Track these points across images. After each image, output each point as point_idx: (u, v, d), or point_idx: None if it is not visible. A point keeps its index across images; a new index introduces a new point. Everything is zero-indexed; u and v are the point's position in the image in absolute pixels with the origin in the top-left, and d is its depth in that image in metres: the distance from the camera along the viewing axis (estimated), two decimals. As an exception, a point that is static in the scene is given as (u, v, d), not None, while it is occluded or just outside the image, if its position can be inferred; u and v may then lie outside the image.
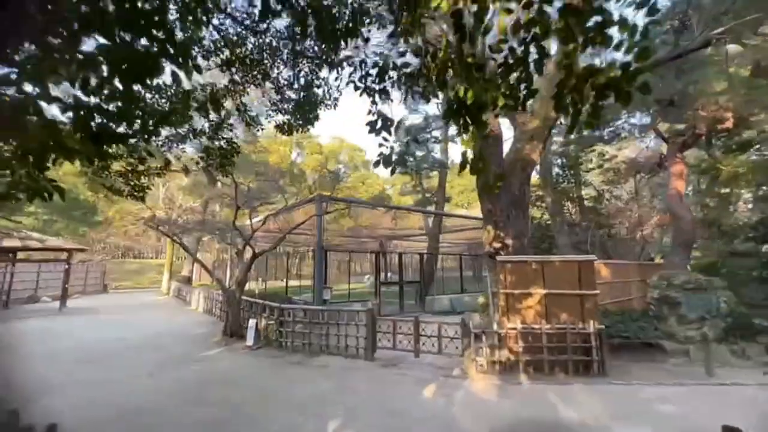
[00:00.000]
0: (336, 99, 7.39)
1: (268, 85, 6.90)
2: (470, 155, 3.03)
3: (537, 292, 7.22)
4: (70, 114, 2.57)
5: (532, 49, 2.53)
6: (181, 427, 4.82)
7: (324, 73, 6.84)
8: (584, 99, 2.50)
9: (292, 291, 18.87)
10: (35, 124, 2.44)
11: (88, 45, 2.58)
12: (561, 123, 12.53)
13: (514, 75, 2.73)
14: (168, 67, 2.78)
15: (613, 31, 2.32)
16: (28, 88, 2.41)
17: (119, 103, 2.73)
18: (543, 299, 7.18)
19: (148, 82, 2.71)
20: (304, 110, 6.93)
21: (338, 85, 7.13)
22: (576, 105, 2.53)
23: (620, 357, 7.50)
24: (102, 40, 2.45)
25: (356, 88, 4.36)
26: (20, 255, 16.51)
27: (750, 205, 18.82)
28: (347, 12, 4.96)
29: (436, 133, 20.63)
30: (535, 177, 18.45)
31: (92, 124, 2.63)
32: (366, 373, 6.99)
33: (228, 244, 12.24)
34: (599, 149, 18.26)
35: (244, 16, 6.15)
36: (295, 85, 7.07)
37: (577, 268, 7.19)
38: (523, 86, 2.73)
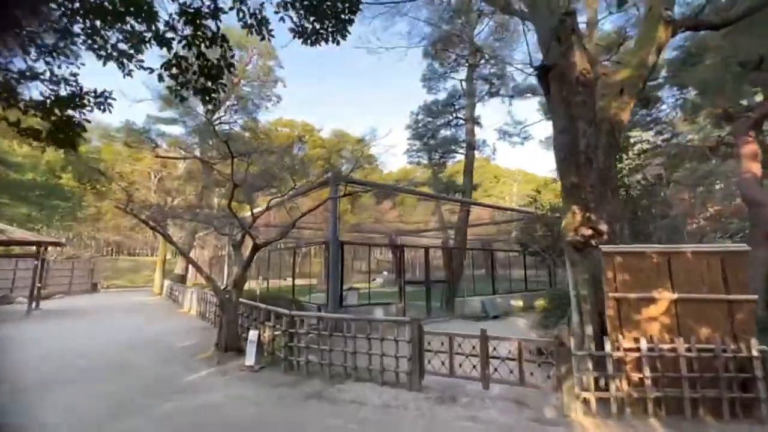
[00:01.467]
0: None
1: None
2: None
3: (663, 296, 5.02)
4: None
5: None
6: None
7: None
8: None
9: (297, 291, 16.73)
10: None
11: None
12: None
13: None
14: None
15: None
16: None
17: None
18: (672, 307, 4.99)
19: None
20: (335, 7, 4.28)
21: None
22: None
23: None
24: None
25: None
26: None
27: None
28: None
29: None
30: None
31: None
32: (418, 416, 4.79)
33: (226, 234, 9.97)
34: (639, 134, 16.16)
35: None
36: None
37: (720, 262, 4.99)
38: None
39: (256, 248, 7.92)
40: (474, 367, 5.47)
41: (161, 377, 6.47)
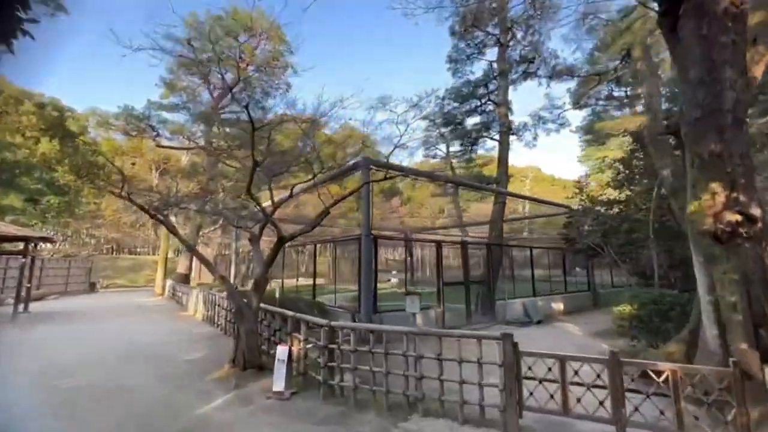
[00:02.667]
0: None
1: None
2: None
3: None
4: None
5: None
6: None
7: None
8: None
9: (303, 291, 15.20)
10: None
11: None
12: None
13: None
14: None
15: None
16: None
17: None
18: None
19: None
20: None
21: None
22: None
23: None
24: None
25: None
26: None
27: None
28: None
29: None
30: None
31: None
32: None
33: (238, 227, 8.41)
34: None
35: None
36: None
37: None
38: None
39: (281, 242, 6.40)
40: (601, 403, 3.91)
41: (164, 408, 4.94)
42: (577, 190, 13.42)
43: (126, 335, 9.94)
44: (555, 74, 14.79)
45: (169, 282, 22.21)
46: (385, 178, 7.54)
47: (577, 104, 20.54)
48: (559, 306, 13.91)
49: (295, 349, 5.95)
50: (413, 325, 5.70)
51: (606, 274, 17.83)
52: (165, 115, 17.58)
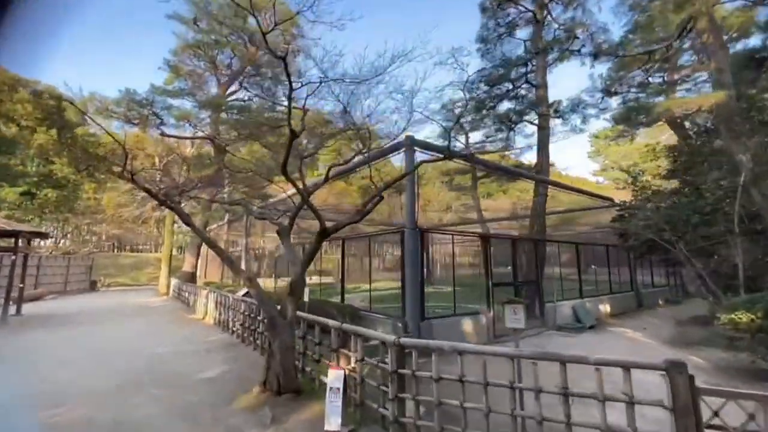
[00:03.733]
0: None
1: None
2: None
3: None
4: None
5: None
6: None
7: None
8: None
9: (326, 293, 13.92)
10: None
11: None
12: None
13: None
14: None
15: None
16: None
17: None
18: None
19: None
20: None
21: None
22: None
23: None
24: None
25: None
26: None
27: None
28: None
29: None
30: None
31: None
32: None
33: (261, 217, 7.04)
34: None
35: None
36: None
37: None
38: None
39: (324, 235, 5.08)
40: None
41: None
42: (627, 182, 12.07)
43: (129, 344, 8.65)
44: (601, 52, 13.41)
45: (173, 281, 20.98)
46: (433, 160, 6.20)
47: (610, 91, 19.16)
48: (606, 308, 12.60)
49: (345, 369, 4.64)
50: (515, 342, 4.38)
51: (639, 273, 16.49)
52: (169, 101, 16.25)
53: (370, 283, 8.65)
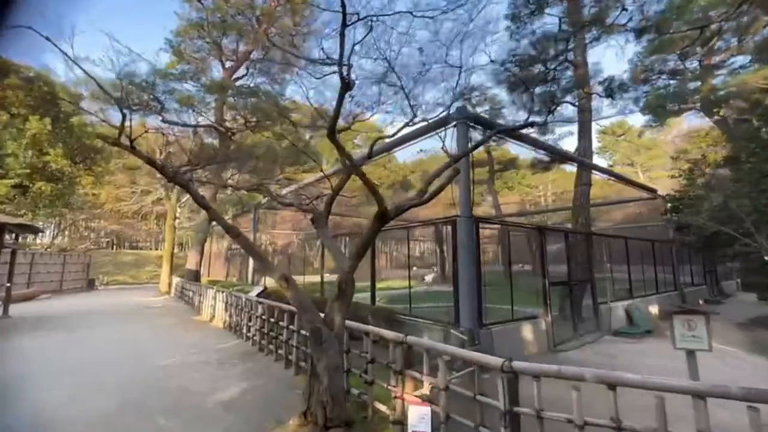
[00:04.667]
0: None
1: None
2: None
3: None
4: None
5: None
6: None
7: None
8: None
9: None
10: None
11: None
12: None
13: None
14: None
15: None
16: None
17: None
18: None
19: None
20: None
21: None
22: None
23: None
24: None
25: None
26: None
27: None
28: None
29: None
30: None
31: None
32: None
33: (286, 205, 5.79)
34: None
35: None
36: None
37: None
38: None
39: (384, 218, 3.88)
40: None
41: None
42: (683, 169, 10.86)
43: (129, 353, 7.45)
44: (647, 28, 12.17)
45: (175, 279, 19.79)
46: (483, 142, 5.00)
47: (639, 78, 17.95)
48: (654, 309, 11.42)
49: (417, 396, 3.45)
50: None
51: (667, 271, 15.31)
52: (171, 85, 15.00)
53: (409, 282, 7.42)
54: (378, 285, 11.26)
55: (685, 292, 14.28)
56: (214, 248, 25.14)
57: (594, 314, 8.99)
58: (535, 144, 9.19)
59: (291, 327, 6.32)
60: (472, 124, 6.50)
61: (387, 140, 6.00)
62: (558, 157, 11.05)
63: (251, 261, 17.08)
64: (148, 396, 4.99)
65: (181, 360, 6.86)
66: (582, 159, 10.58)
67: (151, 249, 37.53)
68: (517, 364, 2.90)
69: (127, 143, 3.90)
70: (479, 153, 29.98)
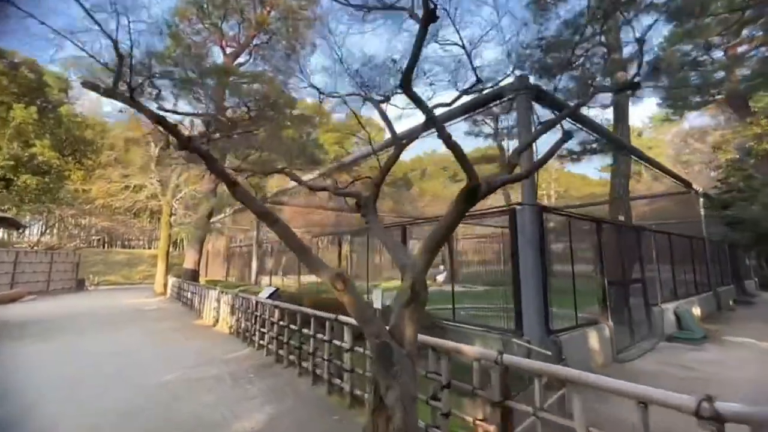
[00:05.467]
0: None
1: None
2: None
3: None
4: None
5: None
6: None
7: None
8: None
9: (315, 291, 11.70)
10: None
11: None
12: None
13: None
14: None
15: None
16: None
17: None
18: None
19: None
20: None
21: None
22: None
23: None
24: None
25: None
26: None
27: None
28: None
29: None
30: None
31: None
32: None
33: (316, 189, 4.71)
34: None
35: None
36: None
37: None
38: None
39: (474, 195, 2.88)
40: None
41: None
42: (729, 160, 10.02)
43: (124, 367, 6.38)
44: (687, 8, 11.35)
45: (171, 279, 18.61)
46: (561, 118, 4.02)
47: (658, 68, 17.17)
48: (696, 311, 10.59)
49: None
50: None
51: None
52: (170, 69, 13.84)
53: (452, 282, 6.41)
54: (385, 285, 10.34)
55: (720, 292, 13.52)
56: (211, 247, 23.96)
57: (646, 317, 8.09)
58: (593, 127, 8.22)
59: (320, 335, 5.33)
60: (534, 98, 5.54)
61: (442, 110, 4.99)
62: (613, 143, 10.05)
63: (254, 260, 15.99)
64: (146, 424, 3.95)
65: (187, 375, 5.80)
66: (634, 147, 9.68)
67: (144, 248, 36.08)
68: (725, 408, 1.93)
69: (127, 94, 2.87)
70: (483, 148, 29.08)
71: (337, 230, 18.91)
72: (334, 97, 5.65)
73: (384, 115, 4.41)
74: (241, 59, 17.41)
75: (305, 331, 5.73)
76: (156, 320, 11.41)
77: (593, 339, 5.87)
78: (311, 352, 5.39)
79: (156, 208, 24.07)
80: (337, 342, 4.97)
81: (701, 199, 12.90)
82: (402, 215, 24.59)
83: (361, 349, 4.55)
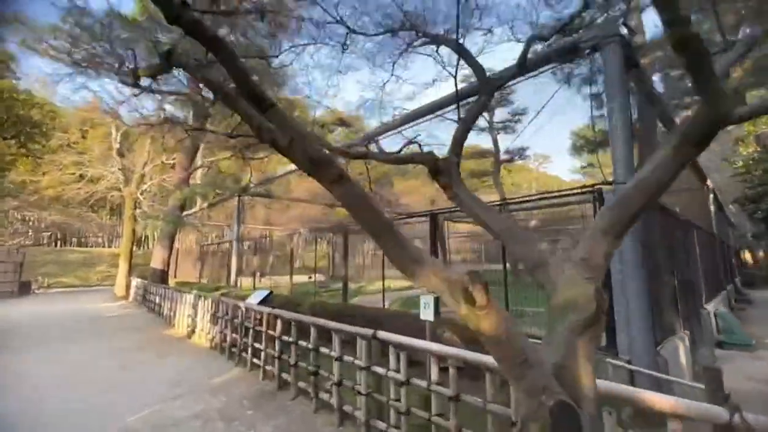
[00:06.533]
0: None
1: None
2: None
3: None
4: None
5: None
6: None
7: None
8: None
9: (329, 295, 10.42)
10: None
11: None
12: None
13: None
14: None
15: None
16: None
17: None
18: None
19: None
20: None
21: None
22: None
23: None
24: None
25: None
26: None
27: None
28: None
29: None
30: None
31: None
32: None
33: (369, 158, 3.33)
34: None
35: None
36: None
37: None
38: None
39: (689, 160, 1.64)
40: None
41: None
42: (757, 150, 9.45)
43: (71, 403, 4.68)
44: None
45: (135, 281, 16.38)
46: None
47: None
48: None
49: None
50: None
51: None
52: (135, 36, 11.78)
53: (505, 280, 5.14)
54: (383, 285, 9.14)
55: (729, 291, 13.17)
56: (181, 245, 21.69)
57: (697, 321, 7.22)
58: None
59: (347, 358, 3.95)
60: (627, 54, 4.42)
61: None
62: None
63: (234, 259, 14.17)
64: None
65: (164, 412, 4.24)
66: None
67: (104, 246, 32.69)
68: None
69: None
70: (475, 144, 28.21)
71: (319, 226, 17.48)
72: (369, 36, 4.28)
73: (461, 48, 3.09)
74: (221, 32, 15.51)
75: (324, 350, 4.32)
76: (118, 331, 9.49)
77: (682, 352, 4.82)
78: (337, 383, 3.98)
79: (118, 200, 21.49)
80: (379, 370, 3.61)
81: (711, 195, 12.45)
82: (390, 213, 23.37)
83: (421, 382, 3.21)
